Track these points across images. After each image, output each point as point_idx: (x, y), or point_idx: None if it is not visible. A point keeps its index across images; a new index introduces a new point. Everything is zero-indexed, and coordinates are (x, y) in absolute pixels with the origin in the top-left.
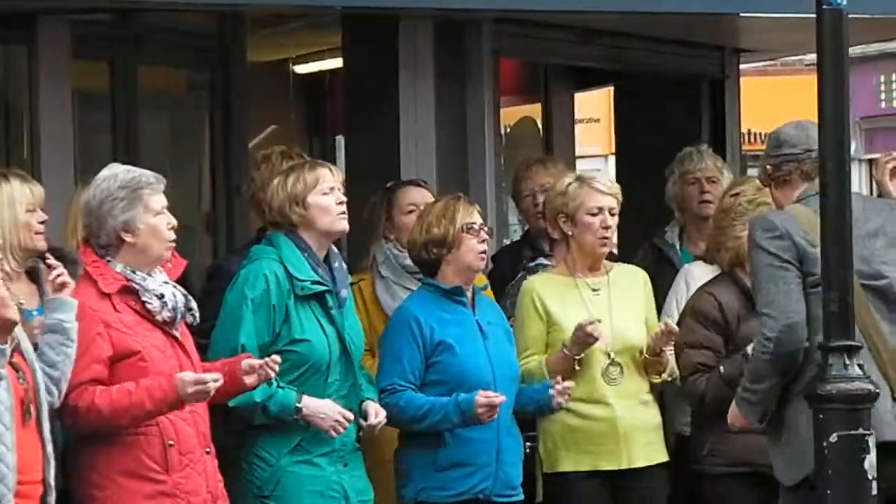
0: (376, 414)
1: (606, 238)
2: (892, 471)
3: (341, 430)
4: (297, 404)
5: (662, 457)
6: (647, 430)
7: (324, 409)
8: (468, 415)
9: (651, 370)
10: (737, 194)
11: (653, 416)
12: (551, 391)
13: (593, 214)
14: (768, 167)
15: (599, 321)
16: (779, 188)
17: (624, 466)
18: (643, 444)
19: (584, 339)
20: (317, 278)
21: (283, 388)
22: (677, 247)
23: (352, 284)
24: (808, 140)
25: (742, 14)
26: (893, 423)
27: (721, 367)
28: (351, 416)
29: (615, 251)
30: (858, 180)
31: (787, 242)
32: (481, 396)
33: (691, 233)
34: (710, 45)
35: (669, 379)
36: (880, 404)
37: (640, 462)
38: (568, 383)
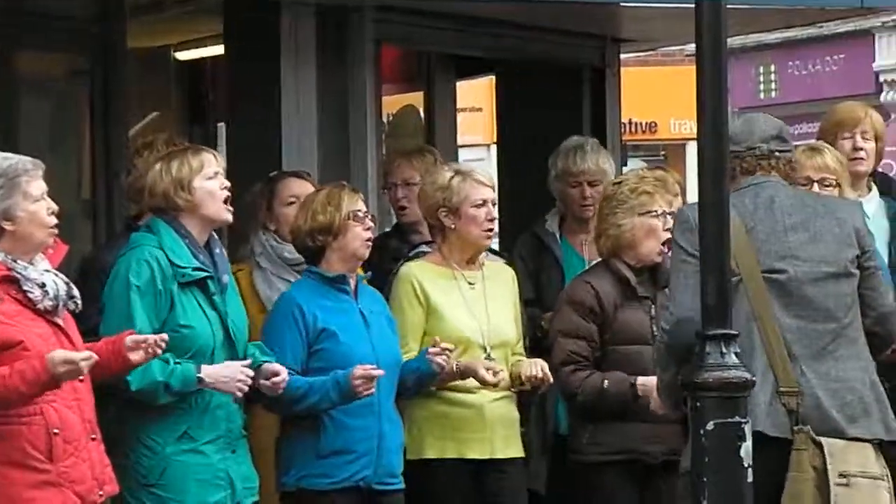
0: (277, 373)
1: (491, 230)
2: (759, 463)
3: (245, 388)
4: (198, 374)
5: (519, 451)
6: (510, 422)
7: (224, 372)
8: (345, 389)
9: (514, 382)
10: (619, 182)
11: (513, 410)
12: (428, 355)
13: (478, 206)
14: None
15: (501, 370)
16: None
17: (488, 456)
18: (506, 436)
19: (480, 378)
20: (198, 264)
21: (179, 363)
22: (557, 236)
23: None
24: (752, 136)
25: (623, 3)
26: (765, 417)
27: (605, 382)
28: (251, 371)
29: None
30: None
31: (693, 236)
32: (358, 368)
33: (571, 223)
34: (591, 35)
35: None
36: (759, 397)
37: (503, 453)
38: (446, 344)
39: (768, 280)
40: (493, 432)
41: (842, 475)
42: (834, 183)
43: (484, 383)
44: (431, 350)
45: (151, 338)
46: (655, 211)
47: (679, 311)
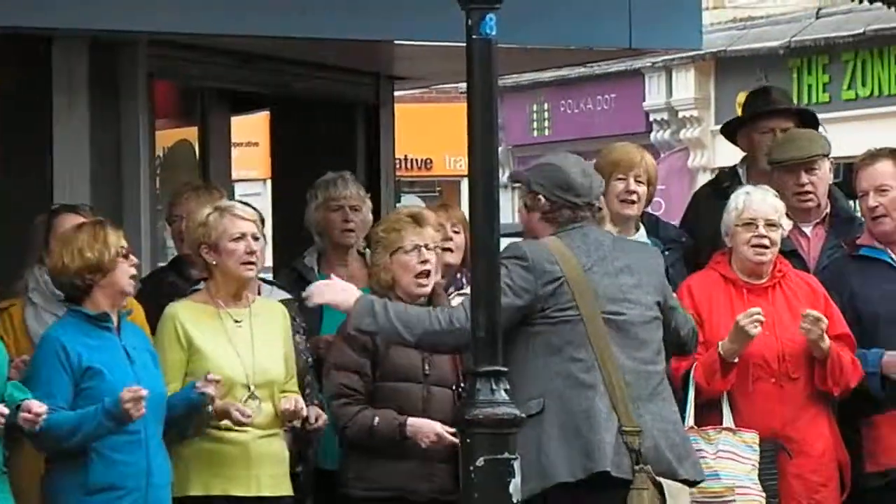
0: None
1: (252, 263)
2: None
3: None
4: None
5: (288, 490)
6: (278, 461)
7: None
8: (117, 413)
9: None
10: (378, 223)
11: (283, 449)
12: (196, 387)
13: (236, 240)
14: (543, 200)
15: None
16: (543, 220)
17: (254, 493)
18: (274, 475)
19: (234, 419)
20: None
21: None
22: (315, 271)
23: (2, 310)
24: (591, 192)
25: (396, 42)
26: (613, 456)
27: (375, 419)
28: (5, 410)
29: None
30: (512, 206)
31: (532, 276)
32: (126, 392)
33: (330, 258)
34: (365, 72)
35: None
36: (605, 437)
37: (268, 491)
38: (213, 376)
39: (607, 321)
40: (260, 470)
41: None
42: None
43: (239, 424)
44: (199, 384)
45: None
46: (405, 247)
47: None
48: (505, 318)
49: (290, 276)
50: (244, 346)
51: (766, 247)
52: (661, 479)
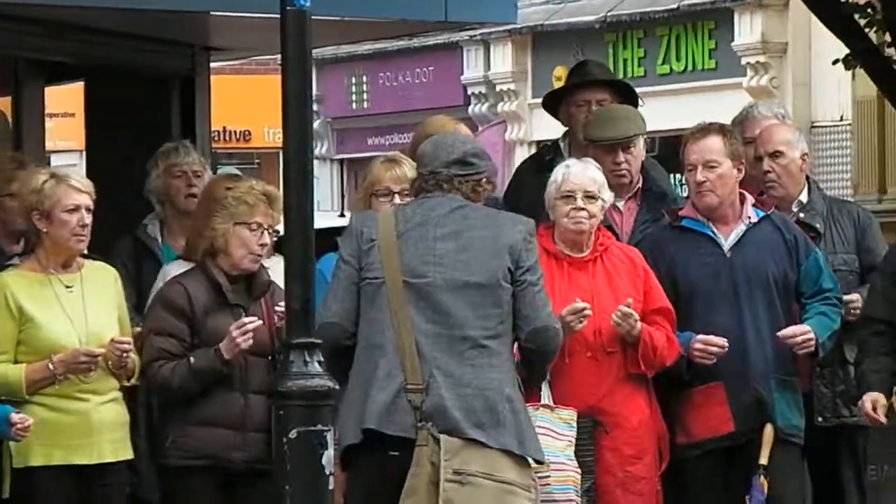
0: None
1: (83, 236)
2: (374, 462)
3: None
4: None
5: (129, 454)
6: (117, 426)
7: None
8: None
9: (122, 377)
10: (230, 188)
11: (122, 413)
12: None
13: (70, 211)
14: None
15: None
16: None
17: (96, 461)
18: (112, 440)
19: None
20: None
21: None
22: (159, 241)
23: None
24: (435, 161)
25: (212, 13)
26: (388, 415)
27: (191, 358)
28: None
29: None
30: (330, 179)
31: (353, 240)
32: None
33: (173, 227)
34: (181, 43)
35: (137, 383)
36: (377, 395)
37: (110, 457)
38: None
39: (407, 284)
40: (101, 436)
41: (457, 472)
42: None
43: (87, 372)
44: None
45: None
46: (252, 224)
47: (325, 316)
48: (352, 288)
49: (131, 245)
50: (76, 311)
51: (585, 218)
52: (442, 436)
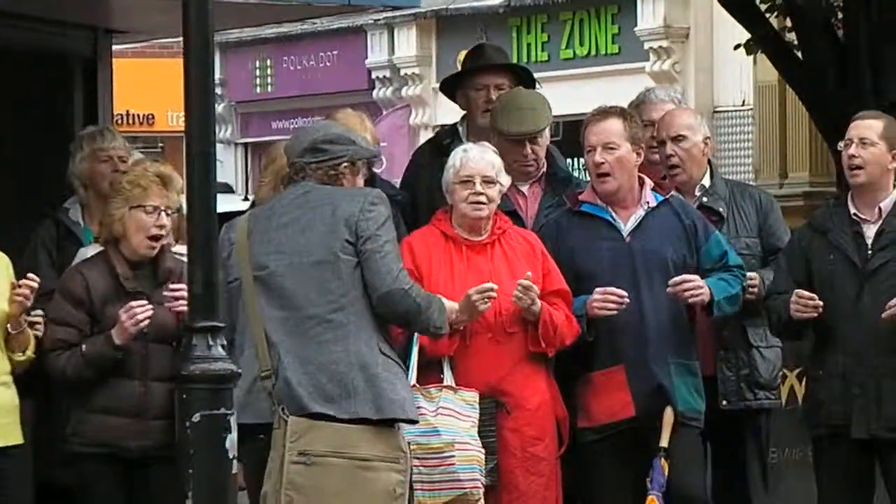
0: None
1: None
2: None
3: None
4: None
5: (18, 439)
6: (5, 411)
7: None
8: None
9: (15, 347)
10: (126, 172)
11: (11, 396)
12: None
13: None
14: None
15: None
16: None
17: None
18: (4, 425)
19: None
20: None
21: None
22: (81, 224)
23: None
24: (294, 151)
25: None
26: (248, 404)
27: (83, 346)
28: None
29: None
30: (234, 162)
31: (221, 249)
32: None
33: (94, 211)
34: (83, 25)
35: (33, 356)
36: (240, 386)
37: (4, 441)
38: None
39: (257, 279)
40: None
41: (302, 453)
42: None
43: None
44: None
45: None
46: (147, 207)
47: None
48: (225, 294)
49: (53, 228)
50: None
51: (483, 203)
52: (290, 417)
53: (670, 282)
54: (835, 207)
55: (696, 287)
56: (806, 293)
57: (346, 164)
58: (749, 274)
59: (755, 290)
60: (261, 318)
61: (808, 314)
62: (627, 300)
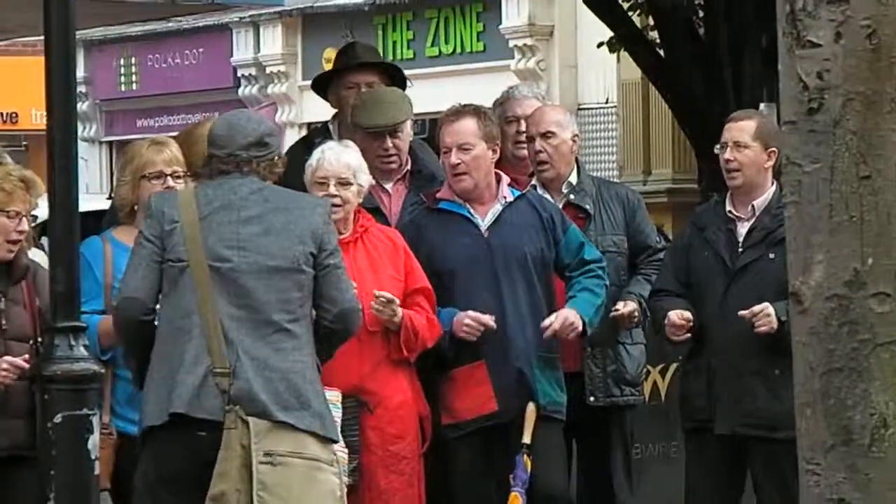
0: None
1: None
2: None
3: None
4: None
5: None
6: None
7: None
8: None
9: None
10: None
11: None
12: None
13: None
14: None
15: None
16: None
17: None
18: None
19: None
20: None
21: None
22: None
23: None
24: (232, 143)
25: None
26: (196, 399)
27: None
28: None
29: None
30: (99, 161)
31: (156, 221)
32: None
33: None
34: None
35: None
36: (187, 380)
37: None
38: None
39: (213, 268)
40: None
41: (267, 454)
42: (182, 174)
43: None
44: None
45: None
46: (10, 211)
47: (125, 291)
48: (153, 266)
49: None
50: None
51: (338, 206)
52: (251, 419)
53: (543, 326)
54: (715, 205)
55: (571, 325)
56: (677, 321)
57: (279, 158)
58: (630, 304)
59: (635, 318)
60: (215, 311)
61: (682, 337)
62: (494, 326)
